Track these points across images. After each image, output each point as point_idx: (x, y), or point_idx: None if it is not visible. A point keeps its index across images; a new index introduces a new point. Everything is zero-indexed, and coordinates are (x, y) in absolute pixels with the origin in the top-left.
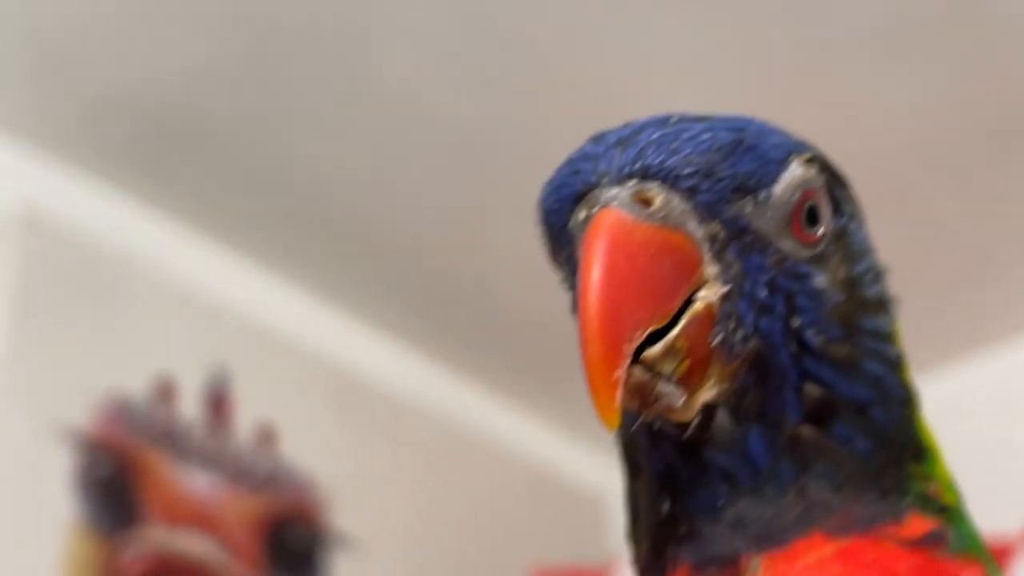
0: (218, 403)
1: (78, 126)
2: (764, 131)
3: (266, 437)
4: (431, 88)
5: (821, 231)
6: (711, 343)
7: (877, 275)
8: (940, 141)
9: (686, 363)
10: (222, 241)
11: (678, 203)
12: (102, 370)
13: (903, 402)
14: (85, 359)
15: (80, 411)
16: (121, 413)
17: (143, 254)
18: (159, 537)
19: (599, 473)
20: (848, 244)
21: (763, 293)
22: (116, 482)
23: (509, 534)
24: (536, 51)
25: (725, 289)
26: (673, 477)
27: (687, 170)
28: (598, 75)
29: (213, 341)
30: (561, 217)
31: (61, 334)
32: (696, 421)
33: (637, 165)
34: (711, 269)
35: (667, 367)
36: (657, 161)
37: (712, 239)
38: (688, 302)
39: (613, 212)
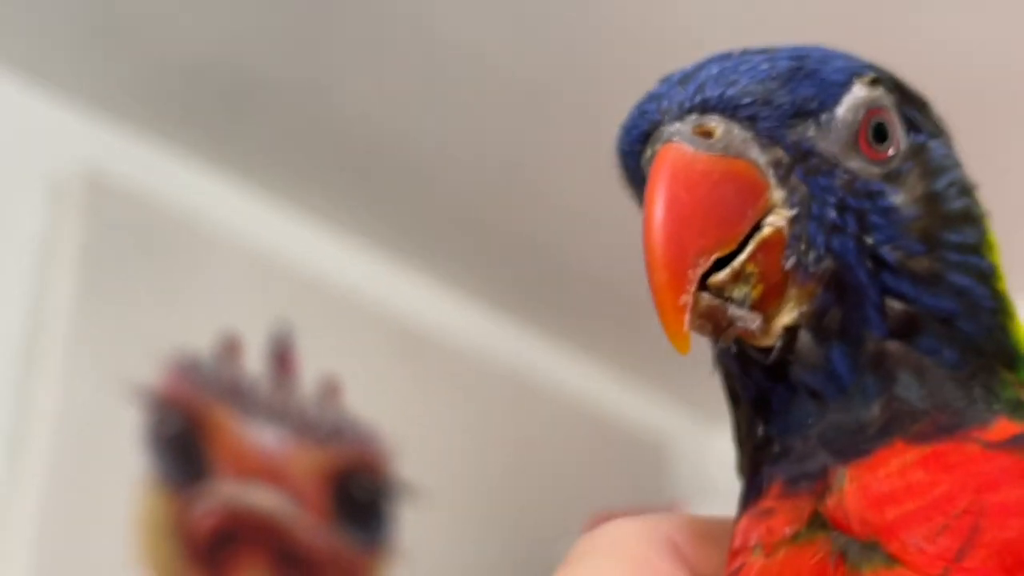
0: (282, 358)
1: (138, 87)
2: (827, 56)
3: (330, 390)
4: (489, 40)
5: (892, 148)
6: (784, 266)
7: (963, 189)
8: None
9: (760, 287)
10: (283, 198)
11: (738, 132)
12: (168, 328)
13: (994, 312)
14: (150, 318)
15: (148, 369)
16: (188, 370)
17: (205, 213)
18: (229, 491)
19: (661, 418)
20: (927, 160)
21: (832, 214)
22: (185, 438)
23: (572, 481)
24: (582, 10)
25: (793, 212)
26: (765, 400)
27: (746, 100)
28: (660, 27)
29: (276, 297)
30: (634, 158)
31: (126, 294)
32: (779, 344)
33: (697, 99)
34: (778, 194)
35: (738, 292)
36: (716, 93)
37: (776, 165)
38: (756, 228)
39: (674, 146)
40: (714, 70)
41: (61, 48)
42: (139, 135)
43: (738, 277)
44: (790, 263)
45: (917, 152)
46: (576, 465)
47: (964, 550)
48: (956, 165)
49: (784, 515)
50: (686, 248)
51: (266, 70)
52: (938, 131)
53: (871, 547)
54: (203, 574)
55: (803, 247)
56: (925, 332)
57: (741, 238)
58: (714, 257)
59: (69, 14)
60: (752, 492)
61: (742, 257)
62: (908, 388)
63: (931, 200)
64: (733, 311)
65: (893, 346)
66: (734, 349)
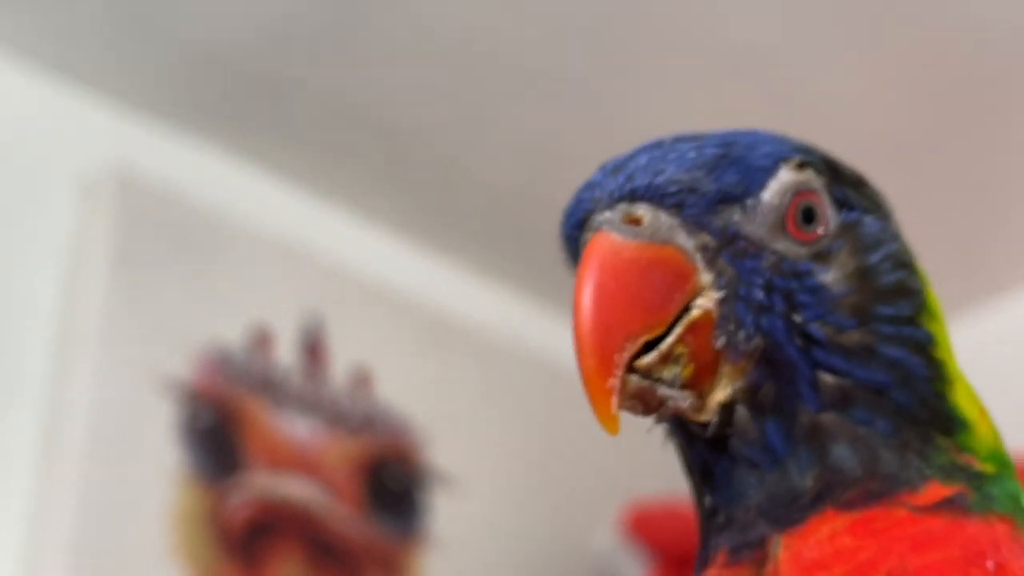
0: (313, 349)
1: (167, 82)
2: (755, 142)
3: (362, 380)
4: (519, 36)
5: (820, 229)
6: (715, 346)
7: (898, 263)
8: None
9: (690, 367)
10: (312, 189)
11: (665, 219)
12: (199, 322)
13: (928, 380)
14: (182, 311)
15: (180, 362)
16: (220, 363)
17: (235, 206)
18: (262, 483)
19: None
20: (859, 237)
21: (760, 294)
22: (218, 430)
23: (606, 468)
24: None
25: (721, 294)
26: (710, 472)
27: (671, 188)
28: (687, 20)
29: (306, 289)
30: (573, 243)
31: (158, 288)
32: (716, 419)
33: (626, 188)
34: (705, 277)
35: (667, 373)
36: (644, 183)
37: (703, 249)
38: (686, 311)
39: (603, 234)
40: (643, 160)
41: (89, 45)
42: (168, 130)
43: (667, 359)
44: (720, 342)
45: (848, 230)
46: (609, 452)
47: None
48: (891, 239)
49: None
50: (613, 334)
51: (294, 63)
52: (874, 207)
53: None
54: (238, 566)
55: (732, 327)
56: (858, 404)
57: (670, 321)
58: (641, 341)
59: (97, 11)
60: (701, 560)
61: (670, 340)
62: (841, 458)
63: (863, 275)
64: (663, 391)
65: (826, 418)
66: (674, 424)
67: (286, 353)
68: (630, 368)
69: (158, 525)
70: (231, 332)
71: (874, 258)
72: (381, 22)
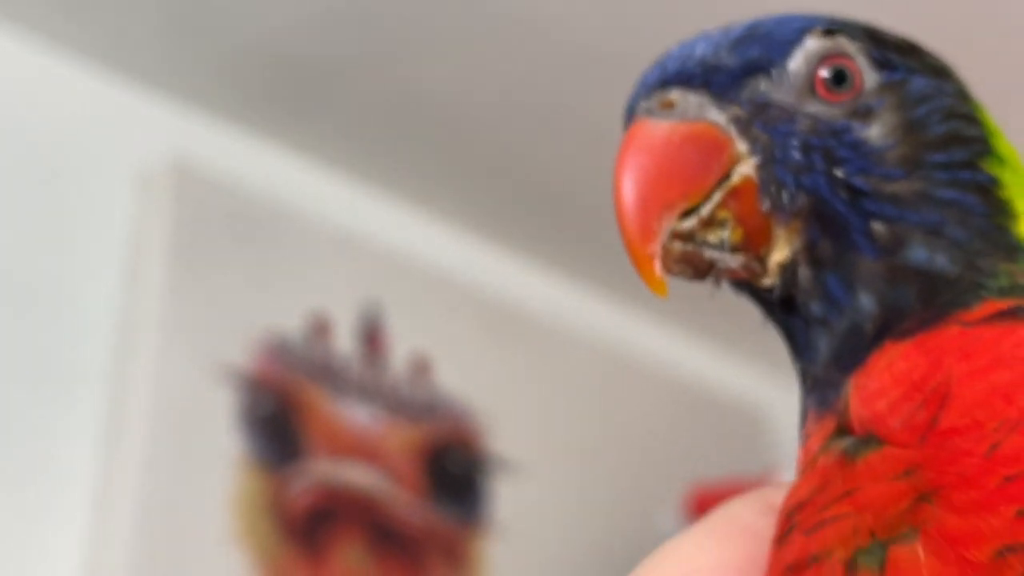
0: (372, 337)
1: (221, 75)
2: (784, 20)
3: (421, 367)
4: (567, 16)
5: (854, 89)
6: (762, 209)
7: (948, 115)
8: None
9: (739, 231)
10: (368, 178)
11: (694, 98)
12: (258, 310)
13: (988, 215)
14: (241, 301)
15: (240, 351)
16: (279, 351)
17: (291, 197)
18: (323, 469)
19: (757, 388)
20: (904, 94)
21: (797, 155)
22: (279, 418)
23: (668, 452)
24: None
25: (758, 160)
26: (792, 336)
27: (698, 69)
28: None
29: (364, 277)
30: None
31: (217, 278)
32: (778, 281)
33: (659, 76)
34: (742, 146)
35: (713, 237)
36: (673, 69)
37: (736, 120)
38: (727, 179)
39: (639, 121)
40: (675, 50)
41: (144, 39)
42: (224, 122)
43: (710, 224)
44: (766, 205)
45: (891, 88)
46: (671, 436)
47: (937, 417)
48: (944, 95)
49: (816, 436)
50: (650, 205)
51: (347, 52)
52: (927, 69)
53: (867, 440)
54: (300, 552)
55: (774, 189)
56: (913, 244)
57: (708, 190)
58: (679, 208)
59: (150, 9)
60: (801, 423)
61: (709, 206)
62: (899, 296)
63: (909, 128)
64: (711, 254)
65: (883, 263)
66: (750, 294)
67: (345, 341)
68: (673, 235)
69: (220, 512)
70: (290, 321)
71: (920, 111)
72: (435, 7)
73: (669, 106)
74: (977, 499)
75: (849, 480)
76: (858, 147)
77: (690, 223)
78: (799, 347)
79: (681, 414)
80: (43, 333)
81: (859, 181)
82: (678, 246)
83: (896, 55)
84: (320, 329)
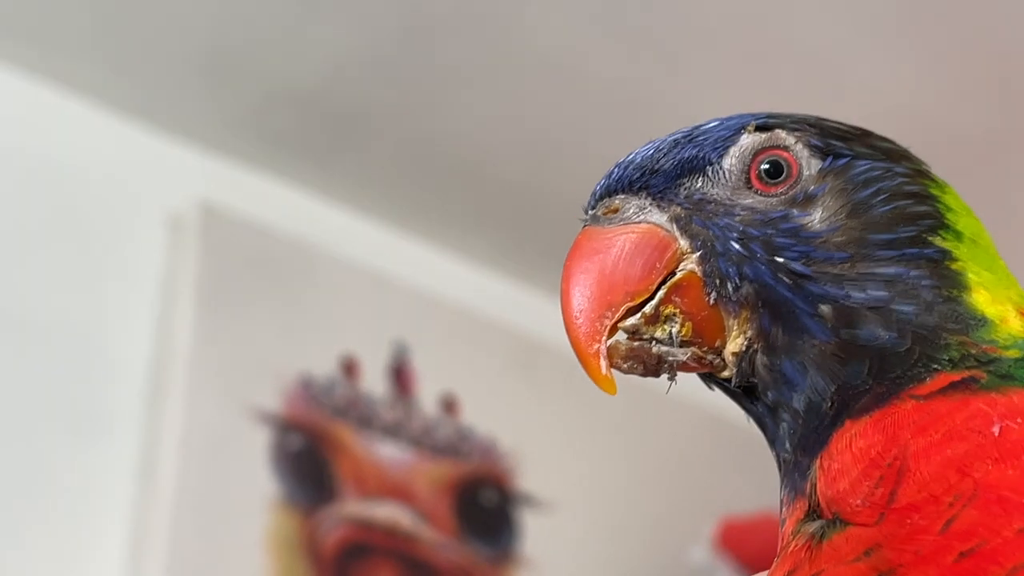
0: (400, 376)
1: (248, 122)
2: (725, 120)
3: (449, 406)
4: (584, 52)
5: (791, 178)
6: (708, 302)
7: (896, 195)
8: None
9: (688, 326)
10: (392, 221)
11: (636, 202)
12: (288, 352)
13: (935, 288)
14: (270, 342)
15: (270, 392)
16: (309, 392)
17: (318, 240)
18: (355, 507)
19: None
20: (848, 178)
21: (736, 247)
22: (310, 457)
23: (699, 486)
24: (680, 10)
25: (699, 254)
26: (763, 425)
27: (636, 174)
28: (742, 31)
29: (391, 317)
30: None
31: (246, 320)
32: (735, 370)
33: (604, 185)
34: (684, 243)
35: (660, 332)
36: (616, 176)
37: (677, 219)
38: (673, 276)
39: (586, 229)
40: (622, 159)
41: (175, 88)
42: (253, 166)
43: (655, 320)
44: (712, 297)
45: (834, 173)
46: (701, 470)
47: (895, 492)
48: (888, 177)
49: (790, 520)
50: (593, 307)
51: (370, 97)
52: (875, 153)
53: (833, 522)
54: None
55: (718, 281)
56: (861, 322)
57: (653, 288)
58: (623, 308)
59: (179, 57)
60: (780, 509)
61: (653, 302)
62: (852, 374)
63: (853, 211)
64: (658, 348)
65: (834, 343)
66: (720, 388)
67: (374, 381)
68: (618, 333)
69: (254, 551)
70: (319, 361)
71: (863, 193)
72: (457, 57)
73: (614, 212)
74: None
75: (815, 563)
76: (797, 233)
77: (634, 320)
78: (768, 434)
79: (711, 448)
80: (77, 374)
81: (799, 266)
82: (624, 343)
83: (839, 142)
84: (349, 370)
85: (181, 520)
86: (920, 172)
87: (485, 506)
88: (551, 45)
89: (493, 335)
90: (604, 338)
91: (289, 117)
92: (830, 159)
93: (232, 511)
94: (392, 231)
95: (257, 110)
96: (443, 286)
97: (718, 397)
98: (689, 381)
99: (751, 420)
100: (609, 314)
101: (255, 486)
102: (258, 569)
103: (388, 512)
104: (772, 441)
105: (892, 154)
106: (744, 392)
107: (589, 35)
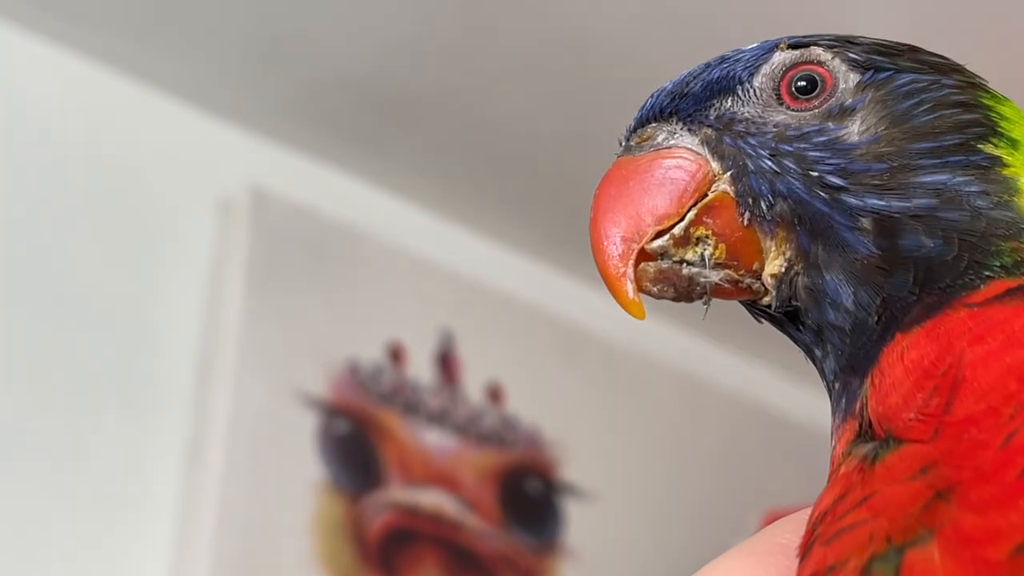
0: (446, 364)
1: (298, 106)
2: (758, 45)
3: (494, 394)
4: (637, 40)
5: (825, 93)
6: (742, 223)
7: (940, 104)
8: None
9: (721, 247)
10: (441, 208)
11: (667, 127)
12: (335, 337)
13: (984, 194)
14: (318, 327)
15: (317, 377)
16: (356, 378)
17: (367, 226)
18: (400, 494)
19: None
20: (889, 89)
21: (768, 163)
22: (357, 443)
23: (742, 478)
24: (731, 3)
25: (730, 173)
26: (811, 352)
27: (666, 100)
28: (796, 13)
29: (439, 305)
30: None
31: (294, 305)
32: (776, 293)
33: (639, 116)
34: (715, 165)
35: (691, 254)
36: (648, 107)
37: (707, 141)
38: (704, 198)
39: (617, 160)
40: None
41: (225, 73)
42: (302, 151)
43: (685, 242)
44: (745, 217)
45: (874, 86)
46: (746, 463)
47: (950, 403)
48: (933, 88)
49: (840, 443)
50: (621, 230)
51: (419, 83)
52: (921, 66)
53: (886, 441)
54: (377, 574)
55: (751, 200)
56: (905, 232)
57: (684, 211)
58: (650, 231)
59: (231, 42)
60: (830, 439)
61: (683, 224)
62: (897, 286)
63: (893, 122)
64: (688, 271)
65: (877, 255)
66: (765, 317)
67: (420, 368)
68: (646, 255)
69: (300, 535)
70: (366, 347)
71: (906, 104)
72: (509, 40)
73: (646, 140)
74: (994, 494)
75: (868, 484)
76: (831, 146)
77: (662, 241)
78: (817, 363)
79: (756, 439)
80: (127, 356)
81: (835, 179)
82: (652, 266)
83: (881, 57)
84: (396, 356)
85: (228, 501)
86: (971, 84)
87: (529, 495)
88: (604, 33)
89: (539, 324)
90: (631, 261)
91: (340, 102)
92: (871, 73)
93: (279, 494)
94: (440, 218)
95: (308, 95)
96: (490, 274)
97: (762, 388)
98: (732, 371)
99: (798, 345)
100: (637, 238)
101: (302, 470)
102: (304, 552)
103: (433, 499)
104: (821, 371)
105: (940, 67)
106: (788, 319)
107: (643, 23)
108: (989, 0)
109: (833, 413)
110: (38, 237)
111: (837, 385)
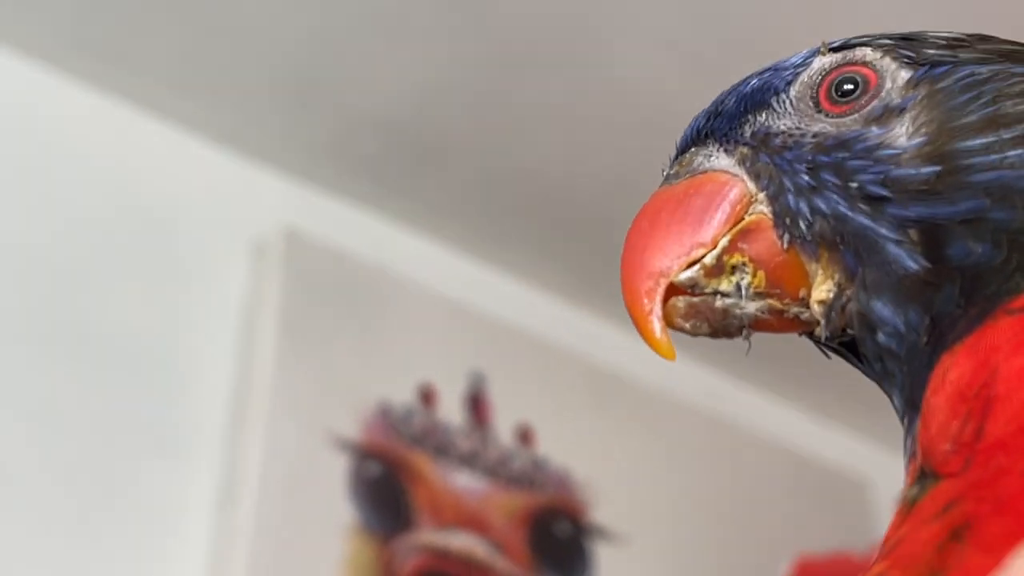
0: (477, 406)
1: (331, 149)
2: (799, 55)
3: (524, 436)
4: (669, 87)
5: (867, 94)
6: (782, 246)
7: (994, 98)
8: None
9: (760, 275)
10: (472, 251)
11: (703, 151)
12: (367, 379)
13: None
14: (350, 369)
15: (349, 419)
16: (388, 420)
17: (399, 268)
18: (430, 537)
19: (863, 458)
20: (941, 85)
21: (805, 178)
22: (388, 485)
23: (773, 522)
24: (761, 48)
25: (765, 193)
26: (879, 383)
27: (702, 121)
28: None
29: (469, 346)
30: None
31: (327, 346)
32: (826, 322)
33: (680, 144)
34: (751, 185)
35: (726, 285)
36: (687, 133)
37: (743, 161)
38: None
39: (655, 191)
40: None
41: (258, 115)
42: (335, 193)
43: (719, 271)
44: (785, 240)
45: (926, 82)
46: (777, 505)
47: (982, 427)
48: (996, 78)
49: (908, 480)
50: (646, 266)
51: (453, 126)
52: (987, 56)
53: (927, 478)
54: None
55: (788, 220)
56: (952, 240)
57: (720, 239)
58: (682, 262)
59: (266, 86)
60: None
61: (715, 252)
62: (945, 301)
63: (945, 118)
64: (723, 302)
65: (926, 270)
66: (832, 350)
67: (451, 410)
68: (674, 290)
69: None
70: (398, 389)
71: (963, 99)
72: (541, 89)
73: (686, 166)
74: (1011, 527)
75: (899, 529)
76: (873, 152)
77: (691, 273)
78: (885, 391)
79: (786, 484)
80: (159, 398)
81: (876, 188)
82: (683, 300)
83: (939, 50)
84: (427, 398)
85: (260, 544)
86: None
87: (559, 538)
88: (636, 80)
89: (569, 366)
90: (658, 297)
91: (374, 146)
92: (924, 68)
93: (311, 536)
94: (471, 261)
95: (343, 138)
96: (520, 317)
97: (793, 431)
98: (764, 413)
99: (872, 380)
100: (665, 272)
101: (334, 512)
102: None
103: (463, 542)
104: (891, 400)
105: (1012, 55)
106: (848, 349)
107: (673, 71)
108: None
109: (904, 453)
110: (73, 279)
111: (905, 420)
